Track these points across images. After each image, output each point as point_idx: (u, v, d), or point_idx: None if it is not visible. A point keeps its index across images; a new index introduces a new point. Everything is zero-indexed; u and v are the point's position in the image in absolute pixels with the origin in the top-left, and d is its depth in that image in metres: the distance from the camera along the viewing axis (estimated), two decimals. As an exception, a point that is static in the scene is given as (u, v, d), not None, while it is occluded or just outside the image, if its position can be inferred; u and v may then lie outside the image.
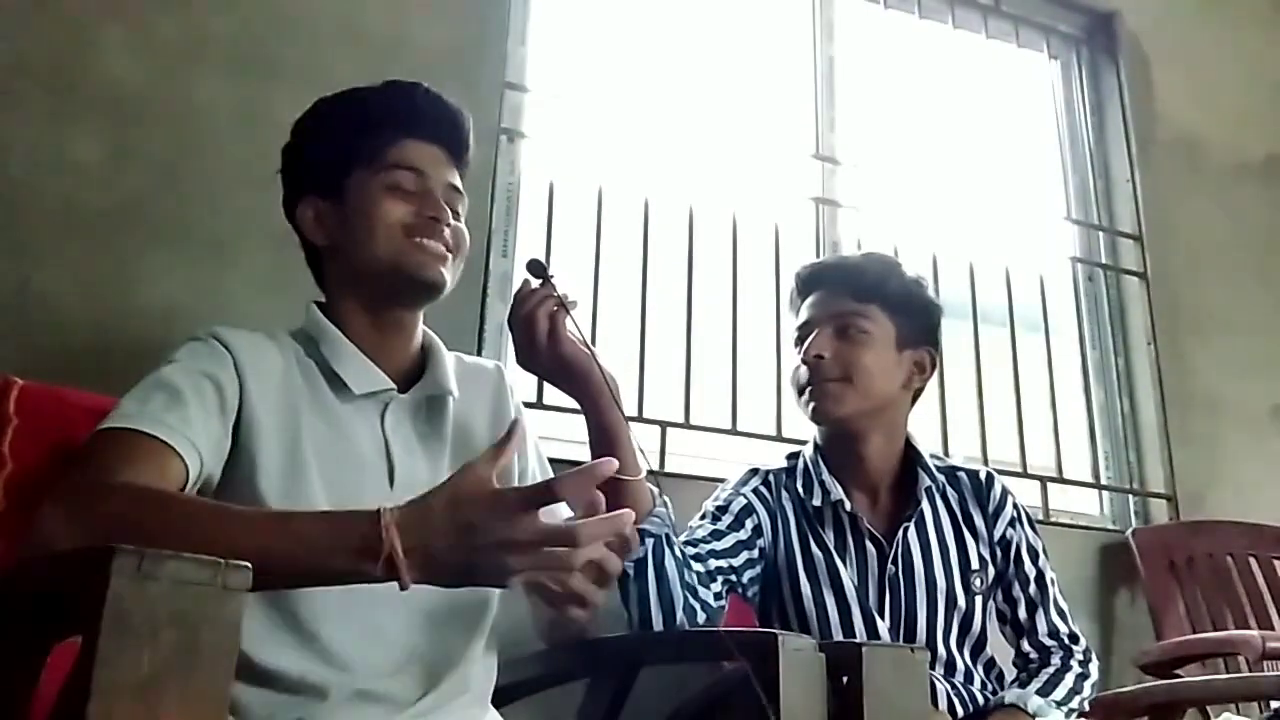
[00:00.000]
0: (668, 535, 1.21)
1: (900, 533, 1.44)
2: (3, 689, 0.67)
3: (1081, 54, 2.84)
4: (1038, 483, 2.32)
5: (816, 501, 1.45)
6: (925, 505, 1.46)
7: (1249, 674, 1.89)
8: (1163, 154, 2.70)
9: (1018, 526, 1.50)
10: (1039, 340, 2.45)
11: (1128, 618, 2.24)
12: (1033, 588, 1.47)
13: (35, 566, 0.77)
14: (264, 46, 1.82)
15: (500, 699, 1.20)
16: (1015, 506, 1.51)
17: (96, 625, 0.55)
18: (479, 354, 1.82)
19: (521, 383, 1.83)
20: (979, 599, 1.45)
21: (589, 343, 1.16)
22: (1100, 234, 2.66)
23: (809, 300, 1.50)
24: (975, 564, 1.46)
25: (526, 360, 1.15)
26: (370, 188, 1.14)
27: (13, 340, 1.52)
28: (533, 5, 2.16)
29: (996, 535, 1.48)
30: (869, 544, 1.44)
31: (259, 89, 1.79)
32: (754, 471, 1.51)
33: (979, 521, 1.49)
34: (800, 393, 1.46)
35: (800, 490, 1.47)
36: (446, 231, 1.15)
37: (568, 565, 0.84)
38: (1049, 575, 1.49)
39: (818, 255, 2.32)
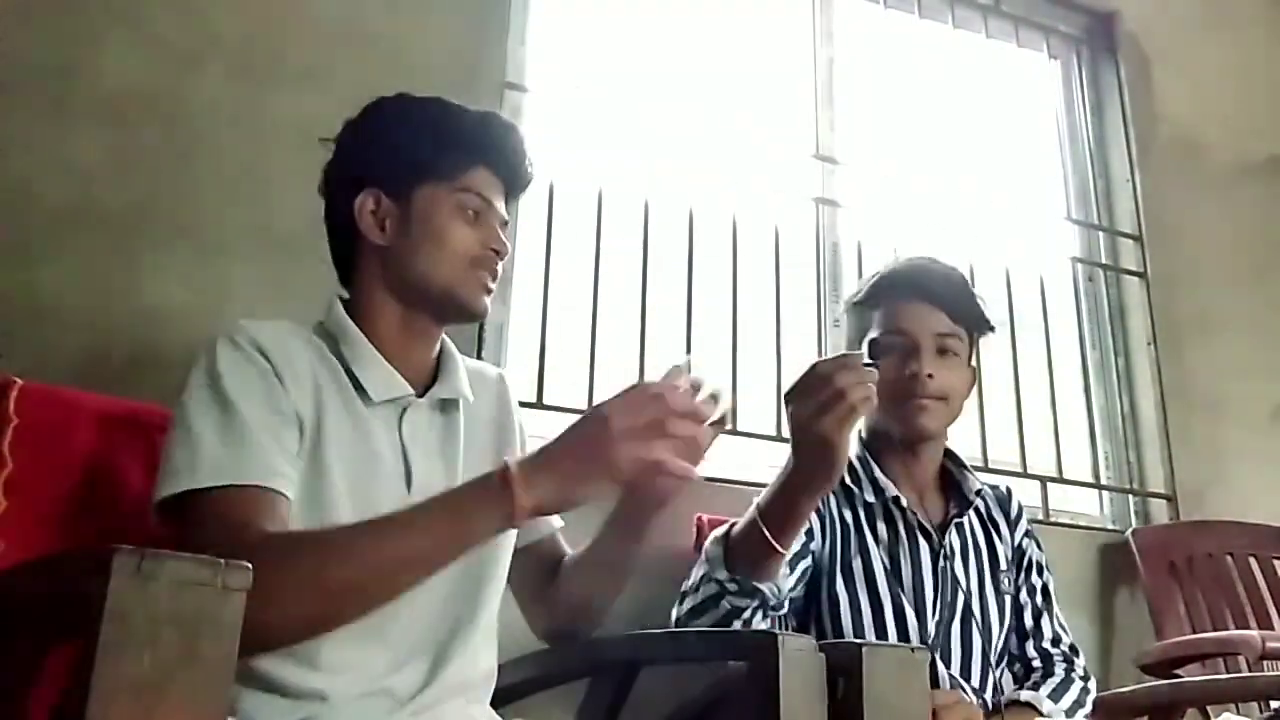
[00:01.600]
0: (770, 603, 1.23)
1: (950, 530, 1.49)
2: (3, 689, 0.67)
3: (1081, 54, 2.84)
4: (1038, 483, 2.31)
5: (869, 497, 1.48)
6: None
7: (1249, 674, 1.89)
8: (1163, 154, 2.70)
9: (1030, 539, 1.59)
10: (1039, 340, 2.44)
11: (1128, 618, 2.24)
12: (1039, 597, 1.54)
13: (35, 566, 0.77)
14: (264, 47, 1.82)
15: (500, 699, 1.20)
16: (1028, 521, 1.61)
17: (96, 625, 0.55)
18: (478, 353, 1.83)
19: (520, 382, 1.83)
20: (1008, 598, 1.51)
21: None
22: (1100, 234, 2.65)
23: (908, 308, 1.49)
24: (1004, 564, 1.52)
25: (798, 425, 1.10)
26: (441, 204, 1.15)
27: (13, 340, 1.52)
28: (533, 5, 2.16)
29: (1015, 542, 1.57)
30: (921, 537, 1.47)
31: (260, 89, 1.79)
32: None
33: (1004, 528, 1.57)
34: (895, 402, 1.45)
35: (851, 486, 1.49)
36: (499, 266, 1.17)
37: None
38: (1052, 588, 1.57)
39: (818, 255, 2.32)
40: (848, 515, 1.47)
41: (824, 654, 0.97)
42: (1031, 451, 2.31)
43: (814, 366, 1.09)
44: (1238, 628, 2.08)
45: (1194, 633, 2.06)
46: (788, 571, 1.24)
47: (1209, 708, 1.98)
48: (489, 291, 1.16)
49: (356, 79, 1.83)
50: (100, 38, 1.71)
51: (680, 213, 2.14)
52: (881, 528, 1.47)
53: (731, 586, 1.18)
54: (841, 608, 1.41)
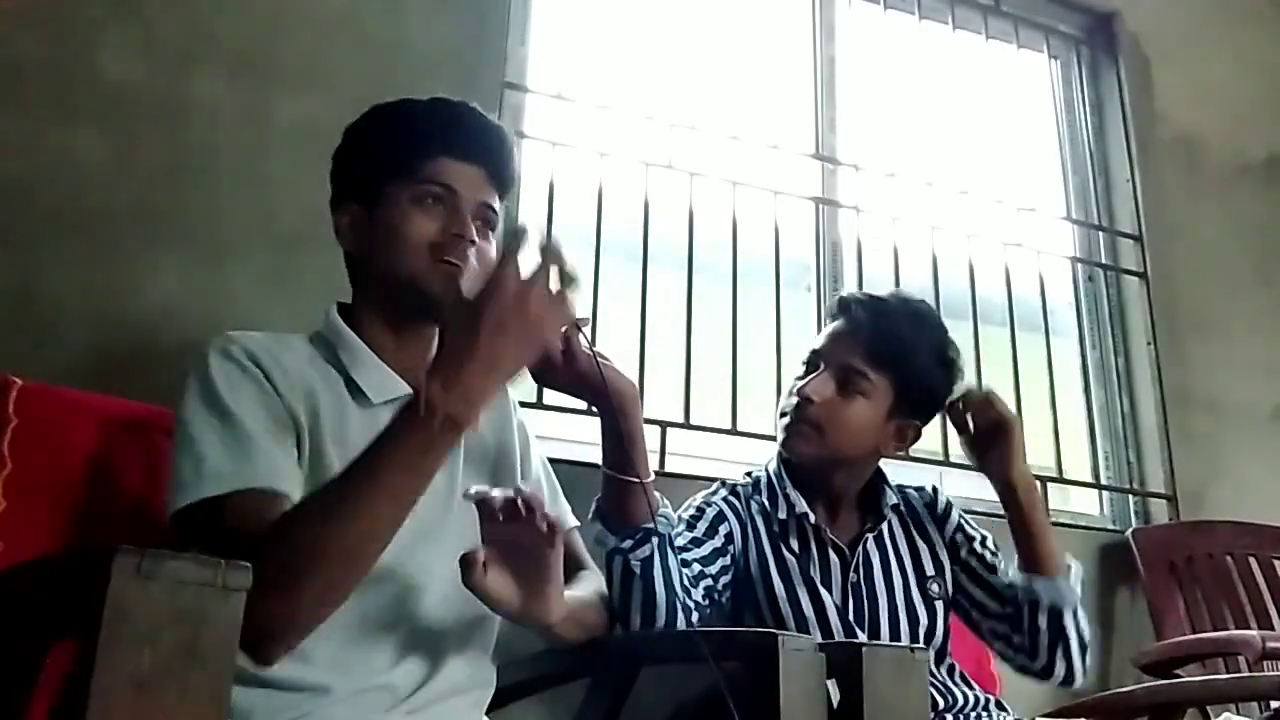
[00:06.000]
0: (670, 536, 1.22)
1: (861, 544, 1.47)
2: (3, 689, 0.67)
3: (1081, 54, 2.84)
4: (1037, 483, 2.31)
5: (782, 515, 1.46)
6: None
7: (1249, 674, 1.89)
8: (1163, 154, 2.70)
9: (964, 528, 1.55)
10: (1039, 340, 2.44)
11: (1128, 618, 2.24)
12: (994, 564, 1.50)
13: (35, 567, 0.77)
14: (264, 46, 1.82)
15: (500, 699, 1.20)
16: (960, 515, 1.57)
17: (96, 625, 0.55)
18: (479, 354, 1.82)
19: (521, 383, 1.83)
20: (939, 604, 1.48)
21: (604, 357, 1.17)
22: (1100, 234, 2.65)
23: (833, 328, 1.49)
24: (931, 569, 1.50)
25: (540, 377, 1.17)
26: (400, 200, 1.15)
27: (13, 340, 1.52)
28: (533, 5, 2.16)
29: (947, 538, 1.53)
30: (832, 553, 1.46)
31: (259, 89, 1.79)
32: (722, 483, 1.53)
33: (933, 532, 1.53)
34: (780, 417, 1.48)
35: (765, 503, 1.48)
36: (471, 251, 1.14)
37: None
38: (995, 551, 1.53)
39: (818, 255, 2.32)
40: (770, 532, 1.46)
41: (824, 654, 0.97)
42: (1031, 451, 2.28)
43: None
44: (1238, 628, 2.09)
45: (1194, 633, 2.06)
46: (668, 503, 1.23)
47: (1209, 708, 1.98)
48: (455, 279, 1.14)
49: (356, 79, 1.84)
50: (100, 37, 1.71)
51: (680, 212, 2.14)
52: (795, 544, 1.45)
53: (625, 545, 1.19)
54: (781, 610, 1.41)
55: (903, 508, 1.54)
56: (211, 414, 1.01)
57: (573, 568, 1.28)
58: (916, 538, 1.52)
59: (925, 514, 1.55)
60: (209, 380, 1.04)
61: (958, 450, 2.22)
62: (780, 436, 1.47)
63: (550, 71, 2.14)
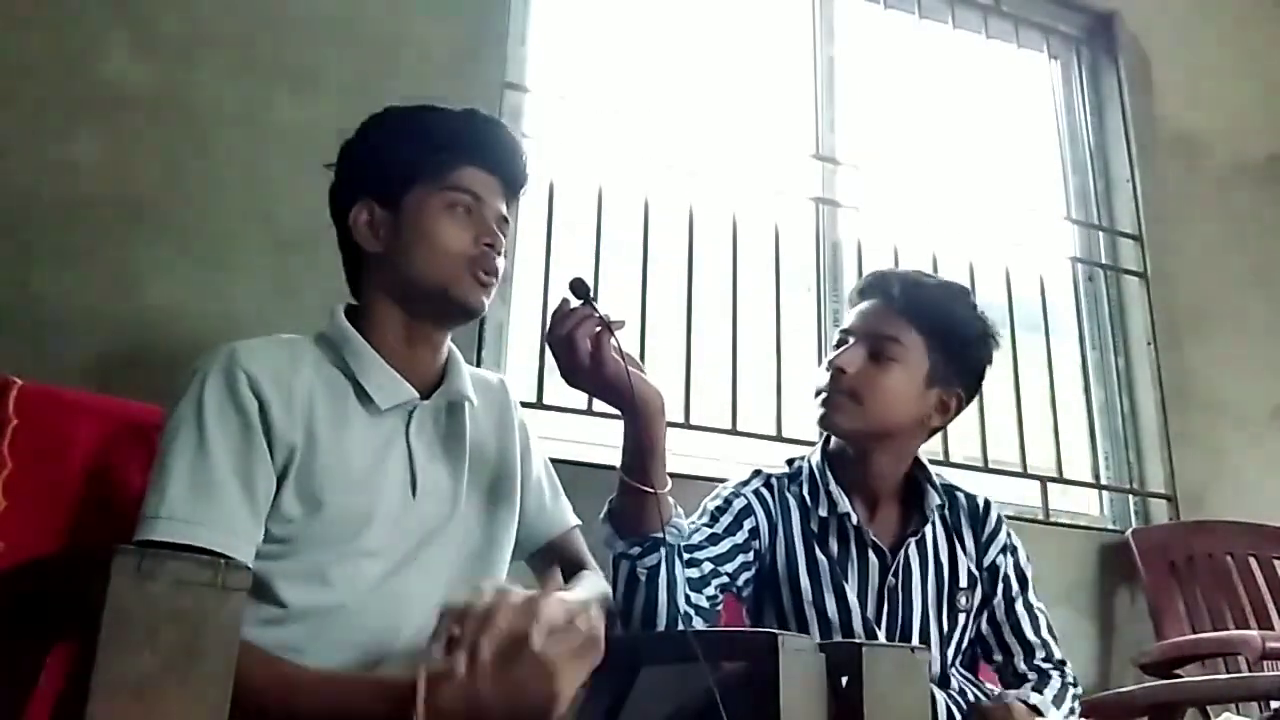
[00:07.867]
0: (679, 547, 1.22)
1: (903, 547, 1.43)
2: (3, 689, 0.67)
3: (1081, 54, 2.84)
4: (1038, 483, 2.31)
5: (823, 512, 1.43)
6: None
7: (1249, 674, 1.89)
8: (1163, 154, 2.70)
9: (1008, 554, 1.50)
10: (1039, 340, 2.45)
11: (1128, 618, 2.24)
12: (1021, 609, 1.47)
13: (35, 567, 0.77)
14: (264, 46, 1.82)
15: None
16: (1009, 535, 1.51)
17: (96, 625, 0.55)
18: (478, 352, 1.83)
19: (521, 383, 1.83)
20: (963, 616, 1.45)
21: (636, 361, 1.16)
22: (1100, 234, 2.66)
23: (860, 306, 1.47)
24: (964, 582, 1.46)
25: (569, 378, 1.15)
26: (430, 205, 1.15)
27: (13, 340, 1.52)
28: (533, 5, 2.16)
29: (987, 561, 1.48)
30: (871, 554, 1.43)
31: (259, 89, 1.79)
32: (757, 473, 1.50)
33: (970, 543, 1.49)
34: (815, 395, 1.45)
35: (806, 498, 1.46)
36: (497, 260, 1.16)
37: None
38: (1037, 603, 1.50)
39: (818, 255, 2.32)
40: (808, 529, 1.44)
41: (824, 654, 0.97)
42: (1031, 451, 2.31)
43: (548, 339, 1.15)
44: (1238, 628, 2.09)
45: (1194, 633, 2.06)
46: (680, 512, 1.21)
47: (1209, 708, 1.98)
48: (485, 287, 1.16)
49: (356, 79, 1.84)
50: (100, 37, 1.71)
51: (680, 212, 2.14)
52: (833, 544, 1.43)
53: (634, 551, 1.18)
54: (805, 613, 1.40)
55: (946, 510, 1.48)
56: (192, 442, 1.01)
57: (573, 568, 1.28)
58: (956, 545, 1.47)
59: (968, 522, 1.49)
60: (201, 404, 1.03)
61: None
62: (818, 414, 1.42)
63: (550, 71, 2.14)
